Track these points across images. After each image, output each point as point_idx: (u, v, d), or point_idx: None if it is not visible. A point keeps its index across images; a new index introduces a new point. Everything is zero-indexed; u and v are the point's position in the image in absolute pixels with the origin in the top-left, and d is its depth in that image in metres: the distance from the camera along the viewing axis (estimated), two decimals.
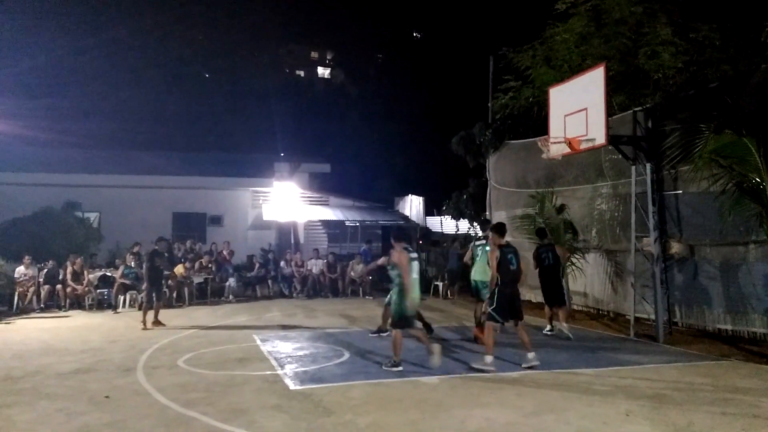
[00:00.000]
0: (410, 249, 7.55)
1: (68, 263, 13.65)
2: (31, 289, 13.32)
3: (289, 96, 45.10)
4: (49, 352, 8.50)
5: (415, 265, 7.51)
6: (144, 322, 10.68)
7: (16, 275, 13.26)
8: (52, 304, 13.51)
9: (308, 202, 21.58)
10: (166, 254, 11.97)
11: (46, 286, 13.47)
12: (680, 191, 10.18)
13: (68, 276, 13.54)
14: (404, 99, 42.79)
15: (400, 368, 7.10)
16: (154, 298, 10.99)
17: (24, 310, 13.00)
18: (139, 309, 13.42)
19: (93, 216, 18.52)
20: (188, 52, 45.25)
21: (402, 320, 7.29)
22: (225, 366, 7.54)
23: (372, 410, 5.58)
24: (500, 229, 7.90)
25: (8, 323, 11.55)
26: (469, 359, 7.87)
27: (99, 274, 14.32)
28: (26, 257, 13.51)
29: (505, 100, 15.04)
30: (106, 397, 6.08)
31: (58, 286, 13.48)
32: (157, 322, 10.86)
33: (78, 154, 21.92)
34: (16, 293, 13.12)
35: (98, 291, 13.88)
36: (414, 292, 7.31)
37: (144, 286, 11.39)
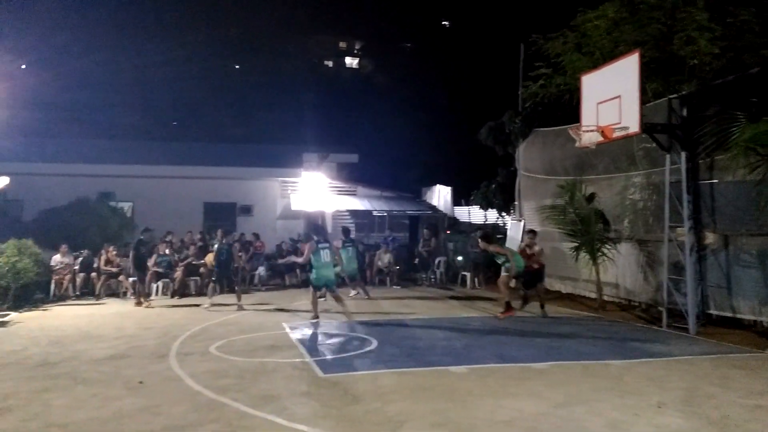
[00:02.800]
0: (321, 241, 10.37)
1: (103, 252, 13.97)
2: (67, 277, 13.66)
3: (317, 86, 45.24)
4: (85, 339, 8.72)
5: (324, 253, 10.22)
6: (139, 302, 12.32)
7: (52, 263, 13.61)
8: (87, 291, 13.84)
9: (336, 192, 21.64)
10: (151, 243, 13.75)
11: (82, 274, 13.82)
12: (715, 180, 9.93)
13: (102, 264, 13.87)
14: (432, 88, 42.55)
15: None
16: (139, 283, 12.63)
17: (60, 298, 13.35)
18: (172, 296, 13.82)
19: (126, 206, 18.88)
20: (218, 44, 45.68)
21: (315, 287, 10.40)
22: (255, 353, 7.65)
23: (400, 398, 5.60)
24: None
25: (45, 310, 11.88)
26: (497, 349, 7.85)
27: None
28: (62, 246, 13.83)
29: (535, 88, 14.82)
30: (140, 382, 6.22)
31: (93, 274, 13.81)
32: (139, 303, 12.33)
33: (112, 145, 22.32)
34: (53, 281, 13.47)
35: (131, 279, 14.17)
36: (325, 271, 10.20)
37: (131, 272, 13.05)
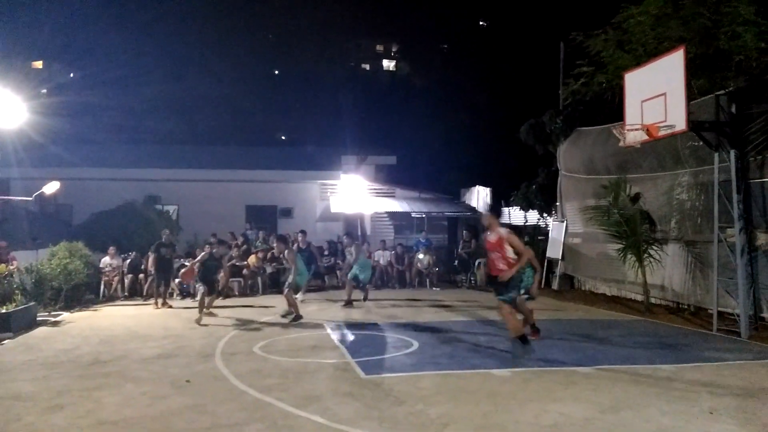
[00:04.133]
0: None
1: (150, 254, 14.31)
2: (116, 279, 14.05)
3: (355, 89, 45.51)
4: (134, 338, 8.96)
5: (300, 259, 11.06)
6: (156, 303, 12.48)
7: (101, 265, 14.02)
8: (135, 292, 14.21)
9: (375, 194, 21.69)
10: (173, 244, 13.57)
11: (130, 276, 14.20)
12: (767, 179, 9.60)
13: (149, 266, 14.21)
14: (471, 89, 42.33)
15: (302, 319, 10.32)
16: (163, 284, 12.67)
17: (110, 298, 13.75)
18: (216, 297, 14.03)
19: (172, 209, 19.33)
20: (258, 50, 46.44)
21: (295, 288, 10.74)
22: (298, 353, 7.72)
23: (443, 401, 5.58)
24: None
25: (95, 310, 12.24)
26: (541, 352, 7.73)
27: (178, 264, 14.92)
28: (111, 248, 14.23)
29: (576, 86, 14.60)
30: (187, 381, 6.35)
31: (140, 276, 14.17)
32: (165, 304, 12.49)
33: (157, 150, 22.90)
34: (102, 282, 13.88)
35: (177, 281, 14.49)
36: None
37: (152, 274, 13.16)
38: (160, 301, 12.59)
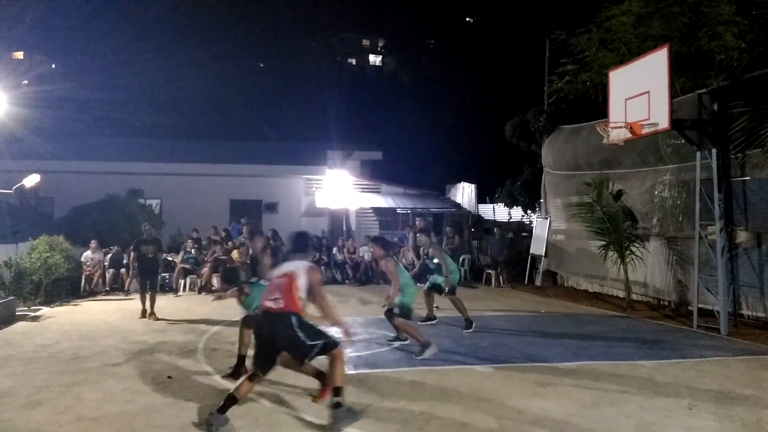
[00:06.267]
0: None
1: (130, 252, 14.17)
2: (97, 273, 13.91)
3: (341, 84, 45.43)
4: (115, 333, 8.87)
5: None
6: (144, 311, 10.34)
7: (82, 259, 13.87)
8: (117, 287, 14.07)
9: (360, 190, 21.67)
10: (158, 240, 11.31)
11: (111, 270, 14.06)
12: (748, 177, 9.72)
13: (131, 260, 14.07)
14: (457, 85, 42.43)
15: None
16: (148, 287, 10.47)
17: (91, 293, 13.59)
18: (199, 293, 13.93)
19: (155, 203, 19.18)
20: (243, 43, 46.10)
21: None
22: None
23: (426, 397, 5.59)
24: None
25: (76, 305, 12.10)
26: (524, 349, 7.78)
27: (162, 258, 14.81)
28: (92, 242, 14.07)
29: (560, 84, 14.68)
30: (169, 377, 6.30)
31: (122, 270, 14.04)
32: (151, 314, 10.28)
33: (140, 143, 22.64)
34: (83, 277, 13.73)
35: (161, 275, 14.36)
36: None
37: (130, 276, 11.72)
38: (149, 306, 10.43)
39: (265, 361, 4.89)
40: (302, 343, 4.78)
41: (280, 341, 4.82)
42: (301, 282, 4.89)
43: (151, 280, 10.60)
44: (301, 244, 5.33)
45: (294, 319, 4.79)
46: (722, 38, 10.63)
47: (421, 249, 10.03)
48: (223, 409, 4.67)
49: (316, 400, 5.24)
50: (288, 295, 4.84)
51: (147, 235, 10.85)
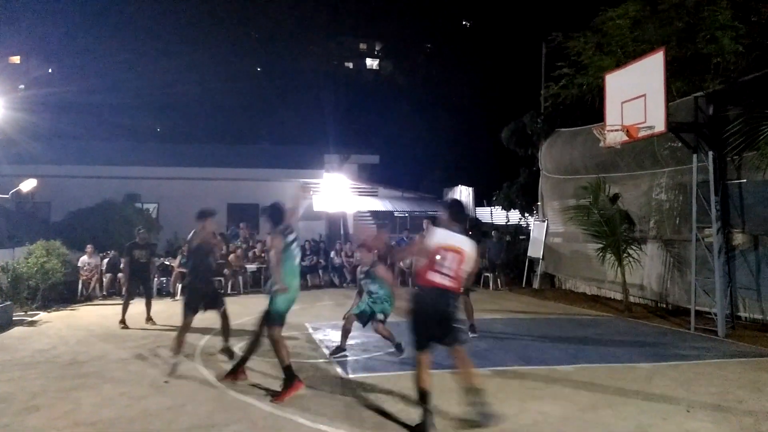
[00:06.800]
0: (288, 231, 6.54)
1: (123, 257, 14.13)
2: (94, 278, 13.87)
3: (338, 88, 45.46)
4: (112, 338, 8.84)
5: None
6: (122, 320, 9.79)
7: (79, 264, 13.83)
8: (114, 291, 14.04)
9: (357, 193, 21.71)
10: (152, 245, 11.09)
11: (108, 275, 14.03)
12: (744, 180, 9.75)
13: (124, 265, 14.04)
14: (454, 89, 42.52)
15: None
16: (142, 292, 10.35)
17: (88, 298, 13.55)
18: None
19: (152, 207, 19.17)
20: (240, 47, 46.13)
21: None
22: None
23: None
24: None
25: (73, 310, 12.07)
26: (521, 351, 7.78)
27: (158, 263, 14.77)
28: (89, 247, 14.04)
29: (557, 89, 14.72)
30: (166, 382, 6.28)
31: (120, 275, 13.99)
32: (148, 319, 10.07)
33: (137, 147, 22.68)
34: (80, 281, 13.69)
35: (158, 279, 14.34)
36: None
37: (123, 281, 10.97)
38: (140, 314, 10.09)
39: (431, 338, 4.46)
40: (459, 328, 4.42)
41: (443, 323, 4.38)
42: (469, 264, 4.43)
43: (145, 285, 10.46)
44: (462, 214, 4.87)
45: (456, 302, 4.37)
46: (719, 42, 10.68)
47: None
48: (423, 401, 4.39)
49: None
50: (457, 274, 4.42)
51: (140, 239, 10.52)
